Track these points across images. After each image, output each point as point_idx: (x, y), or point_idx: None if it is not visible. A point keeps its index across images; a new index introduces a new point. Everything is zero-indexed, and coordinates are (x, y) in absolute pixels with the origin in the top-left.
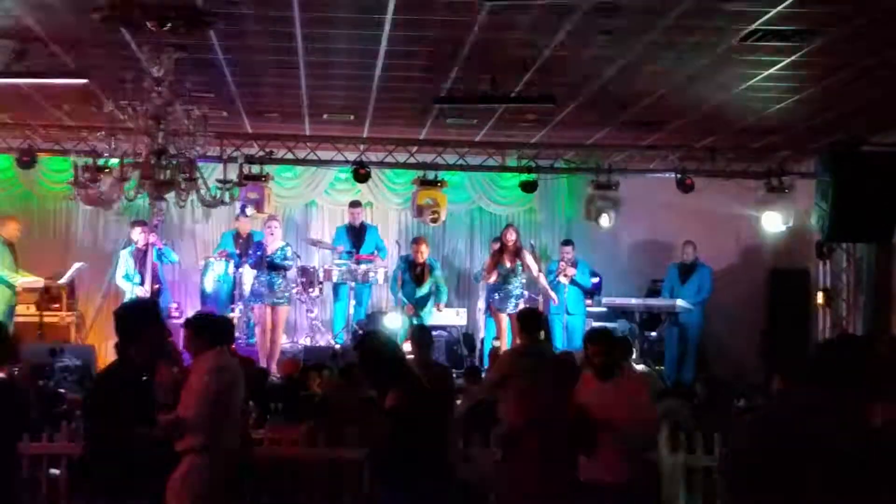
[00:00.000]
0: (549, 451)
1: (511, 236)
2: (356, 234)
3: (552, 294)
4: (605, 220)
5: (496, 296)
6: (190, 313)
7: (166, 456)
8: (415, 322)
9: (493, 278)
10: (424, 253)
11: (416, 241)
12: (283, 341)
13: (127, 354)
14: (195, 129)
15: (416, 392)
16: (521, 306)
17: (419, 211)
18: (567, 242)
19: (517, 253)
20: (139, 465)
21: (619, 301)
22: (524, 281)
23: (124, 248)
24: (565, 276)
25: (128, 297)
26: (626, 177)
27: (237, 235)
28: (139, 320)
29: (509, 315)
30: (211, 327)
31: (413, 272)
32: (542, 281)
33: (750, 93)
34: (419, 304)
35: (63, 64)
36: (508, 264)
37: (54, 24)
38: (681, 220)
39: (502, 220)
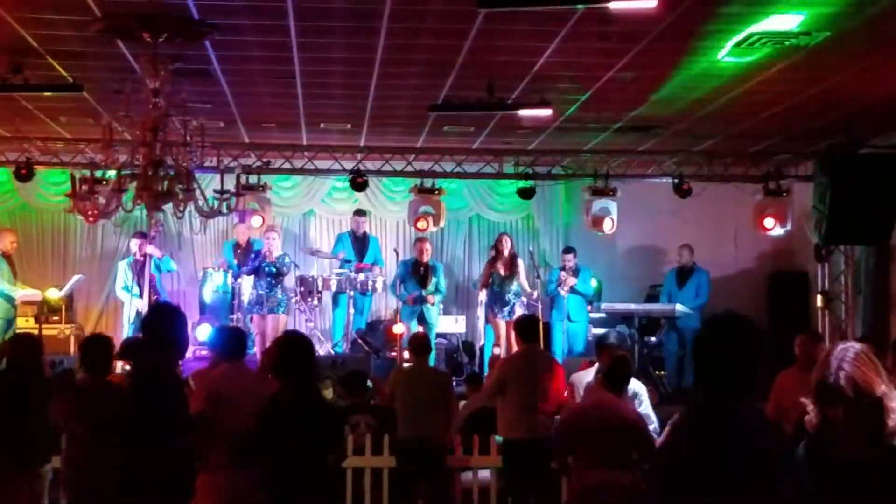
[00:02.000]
0: None
1: (506, 244)
2: (359, 244)
3: (534, 295)
4: (607, 226)
5: (494, 303)
6: (190, 325)
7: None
8: (426, 310)
9: (485, 288)
10: (429, 252)
11: (420, 240)
12: None
13: (161, 366)
14: (192, 139)
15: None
16: (519, 313)
17: (415, 218)
18: (568, 250)
19: (512, 260)
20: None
21: (618, 306)
22: (527, 290)
23: (123, 259)
24: (565, 287)
25: (126, 308)
26: (624, 182)
27: (237, 245)
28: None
29: (507, 322)
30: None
31: (416, 273)
32: (526, 291)
33: (747, 96)
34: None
35: (60, 76)
36: (504, 272)
37: (51, 36)
38: (679, 224)
39: (500, 227)
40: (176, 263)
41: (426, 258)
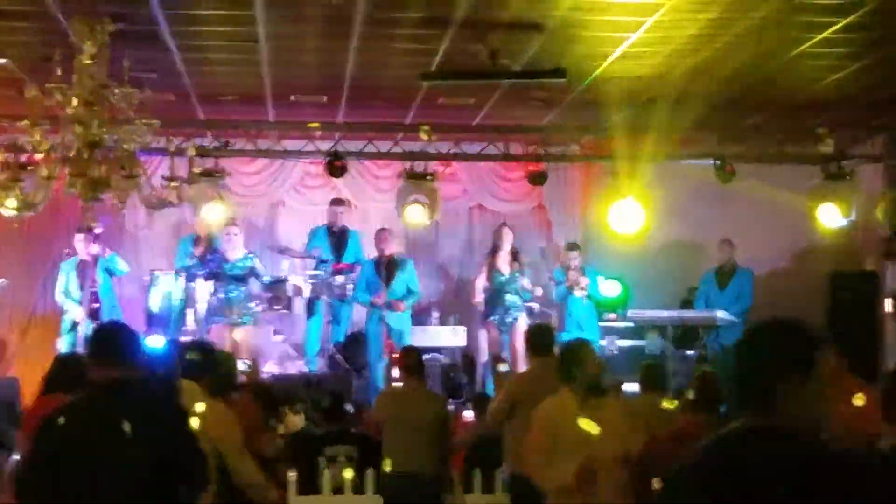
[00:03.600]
0: None
1: (506, 237)
2: (337, 240)
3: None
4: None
5: (493, 311)
6: None
7: None
8: (386, 316)
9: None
10: (391, 244)
11: (380, 231)
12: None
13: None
14: (135, 116)
15: None
16: (525, 321)
17: (404, 209)
18: (571, 246)
19: (515, 257)
20: None
21: (648, 314)
22: (528, 290)
23: (66, 259)
24: (581, 288)
25: (67, 317)
26: (657, 166)
27: (198, 240)
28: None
29: (511, 332)
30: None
31: (379, 269)
32: (537, 289)
33: (801, 60)
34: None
35: None
36: (505, 271)
37: None
38: (720, 215)
39: (507, 219)
40: (126, 264)
41: (389, 251)
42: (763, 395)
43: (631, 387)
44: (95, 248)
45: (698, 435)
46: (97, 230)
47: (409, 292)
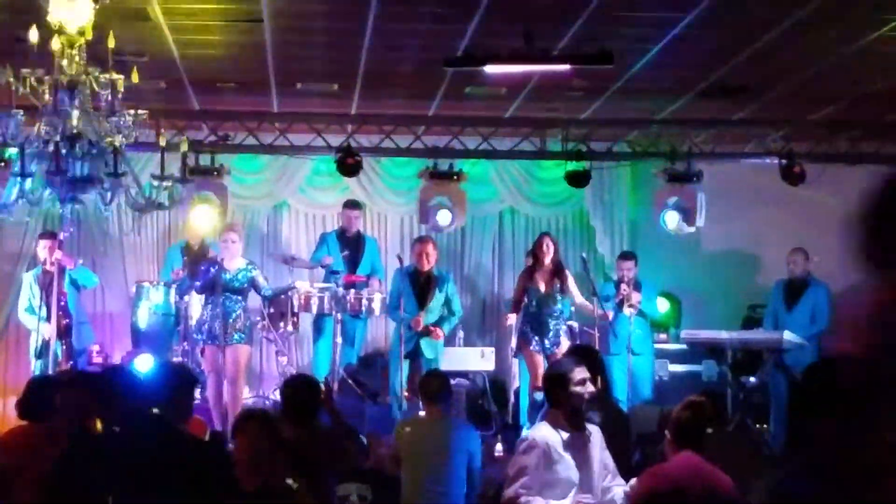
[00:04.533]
0: None
1: (547, 249)
2: (352, 247)
3: (605, 312)
4: (675, 222)
5: (530, 332)
6: (118, 357)
7: None
8: (424, 343)
9: (519, 309)
10: (432, 257)
11: (421, 241)
12: (246, 395)
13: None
14: (121, 106)
15: None
16: (565, 344)
17: (428, 214)
18: (627, 256)
19: (557, 271)
20: None
21: (703, 335)
22: (571, 309)
23: (29, 270)
24: (631, 306)
25: (33, 336)
26: (713, 164)
27: (187, 248)
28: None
29: (548, 356)
30: None
31: (415, 285)
32: (586, 307)
33: (878, 45)
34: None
35: None
36: (543, 287)
37: None
38: (788, 222)
39: (542, 227)
40: (97, 275)
41: (428, 266)
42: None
43: None
44: (63, 257)
45: (708, 474)
46: (61, 235)
47: (450, 312)
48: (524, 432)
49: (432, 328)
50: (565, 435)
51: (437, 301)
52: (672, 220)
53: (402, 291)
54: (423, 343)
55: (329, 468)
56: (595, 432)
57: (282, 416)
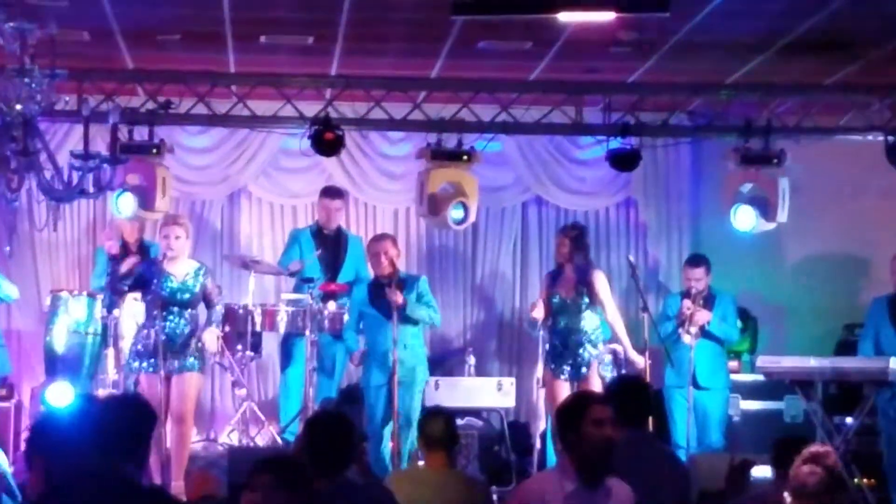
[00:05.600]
0: None
1: (562, 247)
2: (331, 248)
3: (634, 356)
4: (751, 219)
5: (557, 355)
6: (28, 390)
7: None
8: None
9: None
10: (391, 257)
11: (378, 239)
12: (194, 438)
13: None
14: (33, 63)
15: None
16: (595, 369)
17: (431, 204)
18: (696, 261)
19: (582, 275)
20: None
21: (787, 363)
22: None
23: None
24: (692, 327)
25: None
26: (798, 142)
27: (123, 247)
28: None
29: (580, 384)
30: None
31: (377, 296)
32: (619, 329)
33: None
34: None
35: None
36: (566, 297)
37: None
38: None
39: (579, 220)
40: (13, 287)
41: (388, 270)
42: None
43: (762, 470)
44: None
45: None
46: None
47: (433, 310)
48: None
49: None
50: (569, 487)
51: (402, 311)
52: (746, 216)
53: (362, 308)
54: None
55: None
56: (621, 490)
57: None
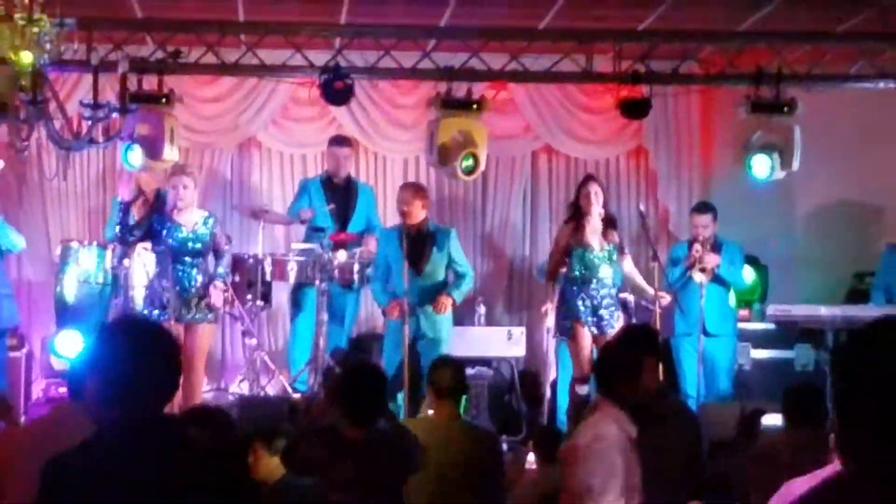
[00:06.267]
0: None
1: (595, 196)
2: (341, 197)
3: (656, 293)
4: (766, 167)
5: (575, 303)
6: (38, 340)
7: None
8: (418, 338)
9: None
10: (419, 209)
11: (405, 189)
12: (204, 389)
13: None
14: (41, 11)
15: None
16: (620, 320)
17: (441, 154)
18: (703, 208)
19: (608, 226)
20: None
21: (796, 311)
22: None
23: None
24: (702, 268)
25: None
26: (809, 90)
27: (138, 198)
28: None
29: (597, 337)
30: None
31: (405, 246)
32: (636, 278)
33: None
34: (420, 301)
35: None
36: (595, 246)
37: None
38: None
39: (589, 169)
40: (20, 237)
41: (416, 220)
42: None
43: (773, 419)
44: None
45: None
46: None
47: (457, 275)
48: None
49: (439, 297)
50: (633, 432)
51: (435, 264)
52: (762, 164)
53: (389, 256)
54: (423, 320)
55: (400, 480)
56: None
57: (335, 413)
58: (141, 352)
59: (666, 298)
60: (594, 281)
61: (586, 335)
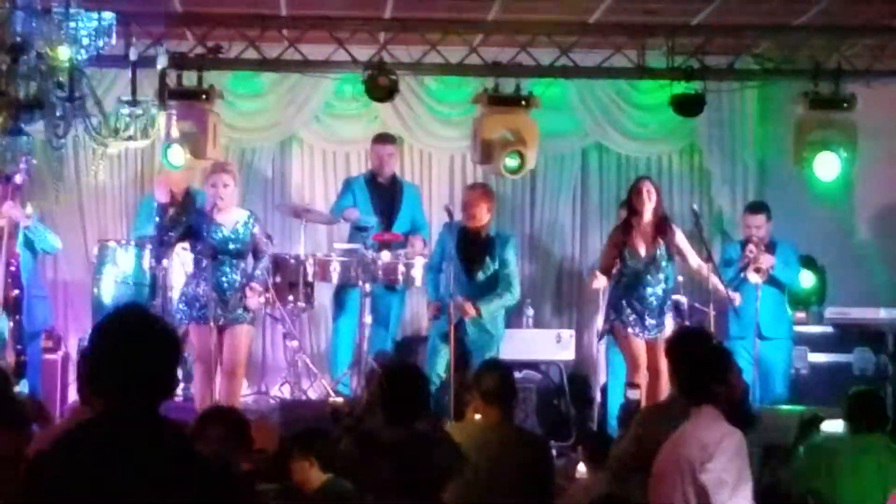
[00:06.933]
0: None
1: (648, 196)
2: (386, 196)
3: (728, 293)
4: (825, 167)
5: (625, 308)
6: (75, 341)
7: None
8: (470, 331)
9: (610, 276)
10: (484, 213)
11: (472, 190)
12: (244, 391)
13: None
14: (79, 6)
15: None
16: (669, 325)
17: (487, 151)
18: (757, 208)
19: (660, 227)
20: None
21: (855, 314)
22: (679, 279)
23: None
24: (757, 269)
25: None
26: (871, 86)
27: (170, 199)
28: None
29: (650, 342)
30: None
31: (463, 248)
32: (712, 278)
33: None
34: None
35: None
36: (644, 250)
37: None
38: None
39: (640, 169)
40: (57, 238)
41: (479, 223)
42: None
43: (833, 425)
44: (14, 210)
45: None
46: (17, 179)
47: (506, 284)
48: None
49: (465, 302)
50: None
51: (489, 268)
52: (828, 165)
53: (446, 253)
54: (468, 326)
55: (436, 484)
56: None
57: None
58: (131, 342)
59: (737, 300)
60: (640, 286)
61: (633, 340)
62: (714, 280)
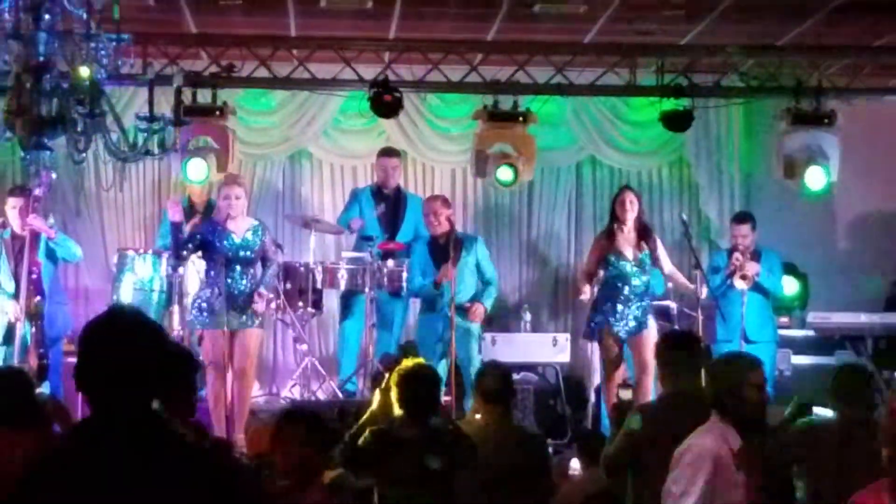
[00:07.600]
0: None
1: (630, 205)
2: (390, 207)
3: (698, 291)
4: (822, 179)
5: (603, 308)
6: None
7: None
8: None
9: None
10: (444, 220)
11: (429, 200)
12: (255, 392)
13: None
14: (99, 28)
15: None
16: (653, 327)
17: (486, 164)
18: (742, 218)
19: (642, 235)
20: None
21: (836, 319)
22: (668, 285)
23: None
24: (743, 276)
25: None
26: (850, 103)
27: (190, 208)
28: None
29: (635, 338)
30: None
31: (434, 253)
32: (678, 278)
33: None
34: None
35: None
36: (630, 252)
37: None
38: None
39: (631, 180)
40: (79, 246)
41: (442, 229)
42: None
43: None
44: (37, 221)
45: None
46: (37, 192)
47: (484, 282)
48: None
49: (469, 305)
50: (736, 443)
51: (464, 265)
52: (816, 178)
53: (421, 264)
54: (457, 339)
55: (451, 474)
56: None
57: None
58: (118, 343)
59: (704, 294)
60: (625, 288)
61: (612, 342)
62: (683, 280)
